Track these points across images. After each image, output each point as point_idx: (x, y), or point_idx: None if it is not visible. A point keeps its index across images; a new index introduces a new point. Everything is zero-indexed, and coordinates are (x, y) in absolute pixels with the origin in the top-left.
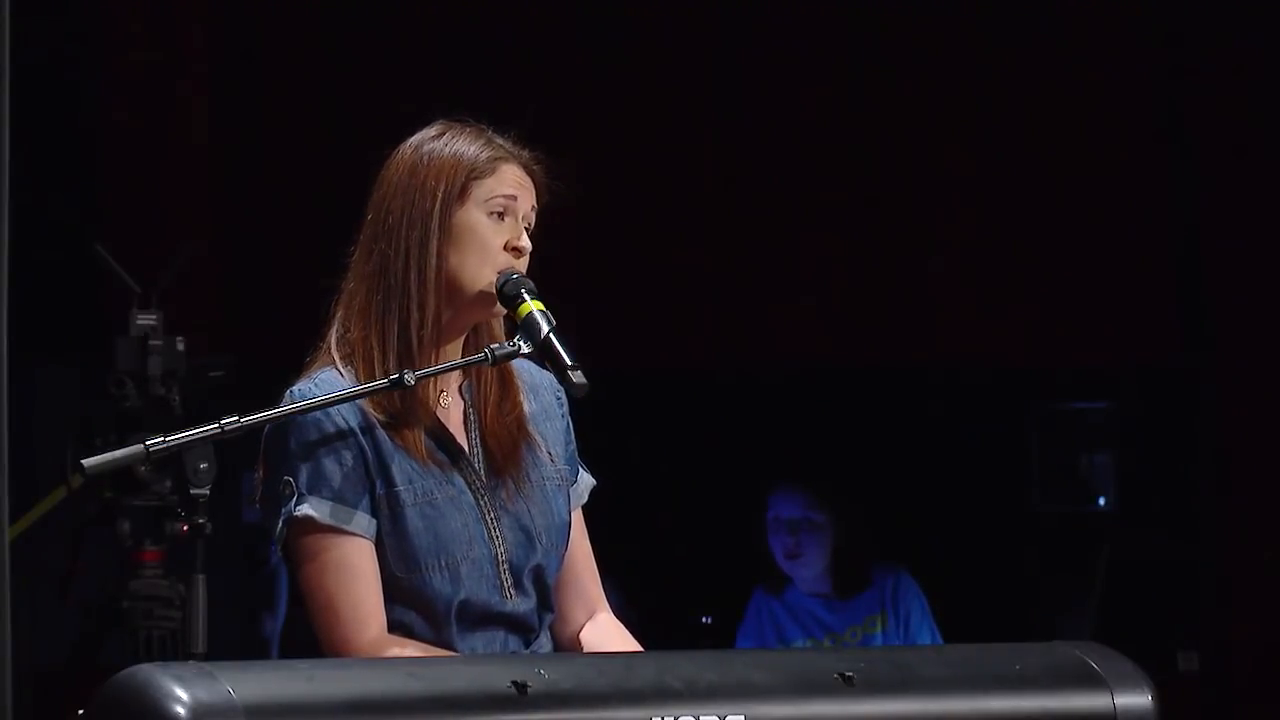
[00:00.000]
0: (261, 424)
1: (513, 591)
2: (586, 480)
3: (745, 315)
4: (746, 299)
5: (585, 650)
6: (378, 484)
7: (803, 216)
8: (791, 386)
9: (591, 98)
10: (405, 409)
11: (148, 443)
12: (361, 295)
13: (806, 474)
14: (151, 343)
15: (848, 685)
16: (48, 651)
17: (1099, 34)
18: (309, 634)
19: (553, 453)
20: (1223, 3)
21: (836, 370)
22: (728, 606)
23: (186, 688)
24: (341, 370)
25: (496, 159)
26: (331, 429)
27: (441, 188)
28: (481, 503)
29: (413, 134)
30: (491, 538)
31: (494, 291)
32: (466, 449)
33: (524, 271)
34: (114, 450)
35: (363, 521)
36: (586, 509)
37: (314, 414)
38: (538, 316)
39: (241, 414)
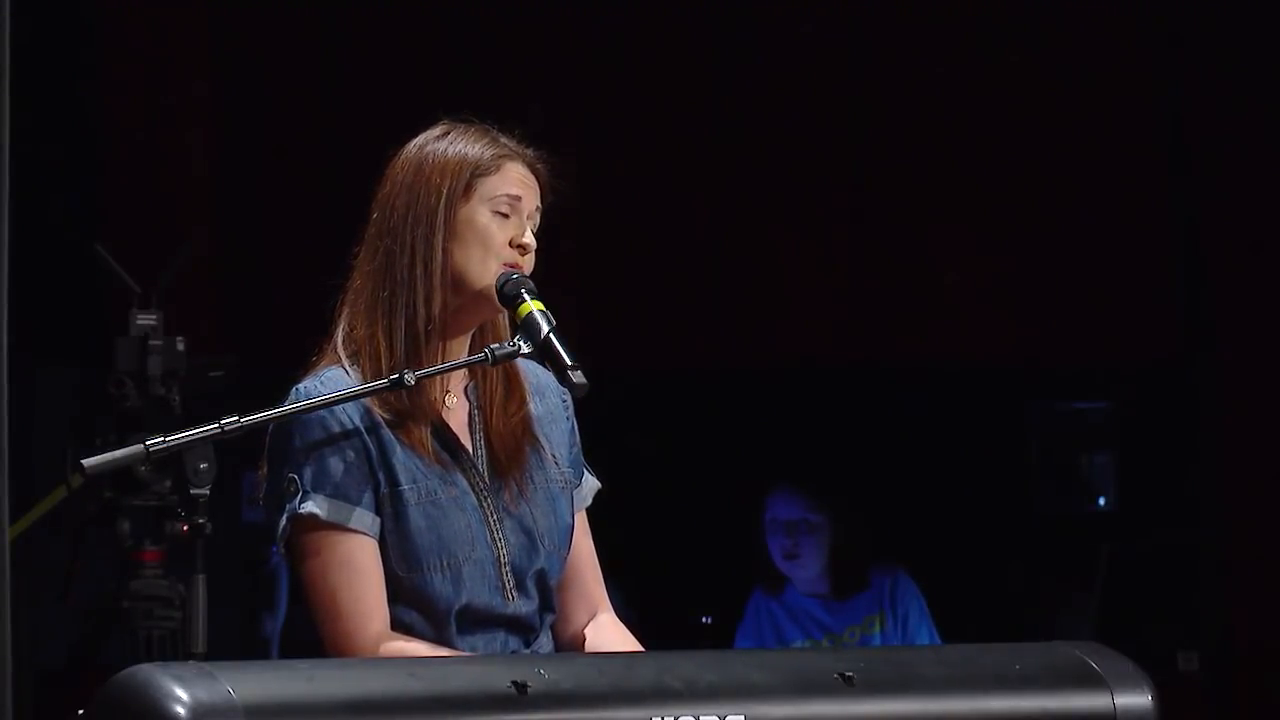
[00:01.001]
0: (262, 424)
1: (515, 593)
2: (591, 483)
3: (745, 315)
4: (746, 299)
5: (586, 650)
6: (381, 482)
7: (803, 217)
8: (791, 386)
9: (592, 97)
10: (410, 408)
11: (148, 443)
12: (367, 292)
13: (804, 475)
14: (151, 343)
15: (848, 685)
16: (48, 651)
17: (1099, 34)
18: (309, 634)
19: (557, 456)
20: (1223, 3)
21: (837, 370)
22: (728, 606)
23: (186, 688)
24: (348, 368)
25: (501, 157)
26: (336, 427)
27: (446, 184)
28: (484, 504)
29: (416, 134)
30: (494, 539)
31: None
32: (470, 450)
33: (528, 268)
34: (114, 450)
35: (366, 519)
36: (588, 509)
37: (318, 412)
38: (538, 316)
39: (241, 414)
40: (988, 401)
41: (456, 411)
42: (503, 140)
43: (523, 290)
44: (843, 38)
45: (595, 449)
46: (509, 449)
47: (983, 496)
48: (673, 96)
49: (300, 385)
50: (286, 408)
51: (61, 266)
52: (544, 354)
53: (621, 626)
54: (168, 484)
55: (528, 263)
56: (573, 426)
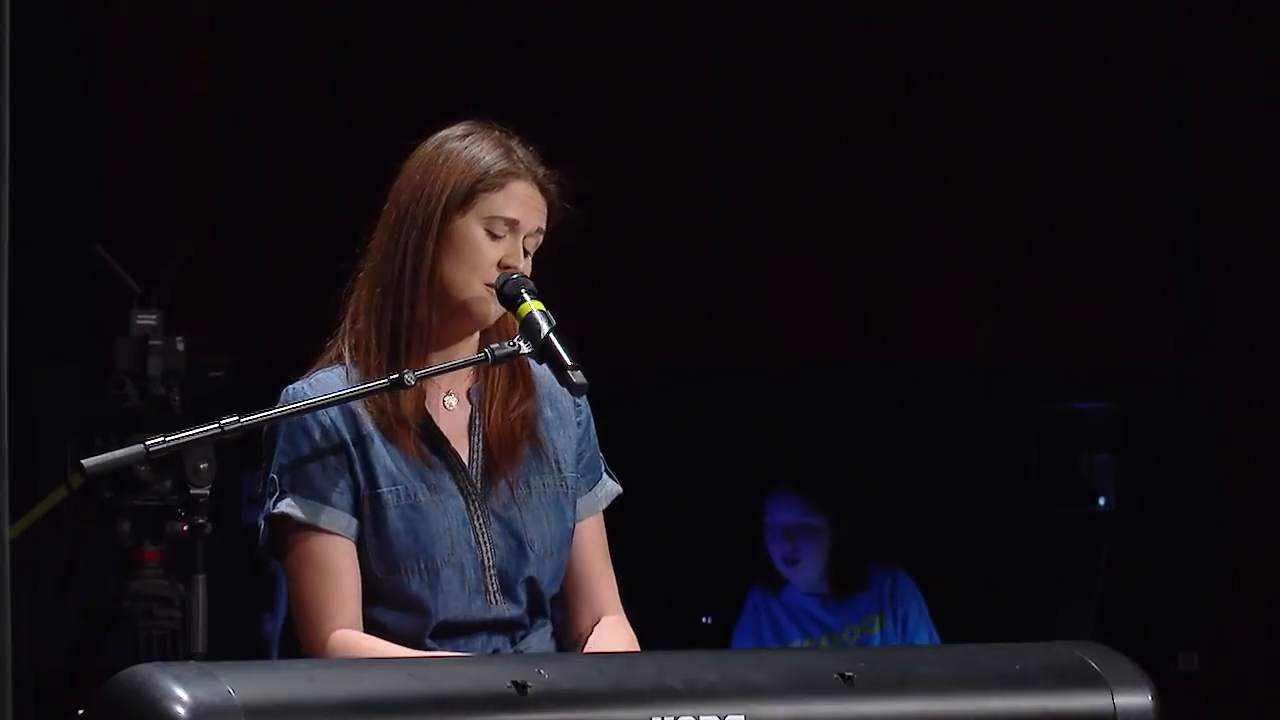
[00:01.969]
0: (261, 424)
1: (499, 598)
2: (609, 488)
3: (744, 315)
4: (746, 299)
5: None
6: (362, 484)
7: (803, 217)
8: (791, 386)
9: (592, 97)
10: (396, 410)
11: (148, 443)
12: (366, 287)
13: (804, 476)
14: (151, 343)
15: (848, 685)
16: (48, 651)
17: (1099, 34)
18: None
19: (560, 461)
20: (1223, 5)
21: (836, 370)
22: (728, 606)
23: (186, 688)
24: (349, 364)
25: (509, 174)
26: (316, 428)
27: (447, 192)
28: (472, 507)
29: (417, 135)
30: (479, 542)
31: (479, 303)
32: (465, 453)
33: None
34: (114, 450)
35: (340, 520)
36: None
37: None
38: (538, 316)
39: (241, 414)
40: (988, 401)
41: (455, 414)
42: (516, 155)
43: (523, 290)
44: (843, 38)
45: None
46: (505, 445)
47: (983, 496)
48: (673, 96)
49: (290, 387)
50: (287, 408)
51: (61, 266)
52: (544, 354)
53: (624, 629)
54: (168, 484)
55: None
56: (584, 432)
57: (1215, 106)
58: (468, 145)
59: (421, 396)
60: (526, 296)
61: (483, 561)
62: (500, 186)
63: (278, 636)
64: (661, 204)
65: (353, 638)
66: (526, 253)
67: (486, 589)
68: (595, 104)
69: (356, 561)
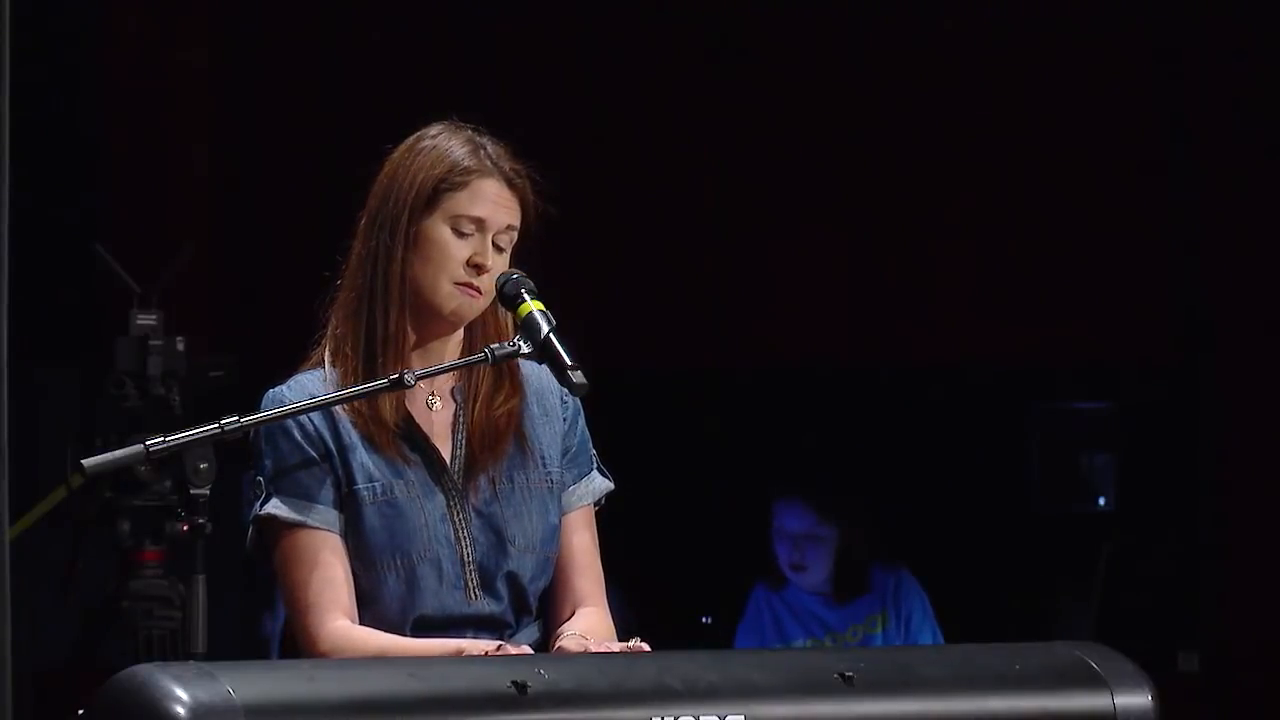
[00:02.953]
0: (261, 424)
1: (479, 593)
2: (599, 484)
3: (744, 316)
4: (746, 299)
5: (555, 646)
6: (341, 482)
7: (802, 217)
8: (791, 387)
9: (592, 98)
10: (374, 412)
11: (148, 443)
12: (344, 292)
13: (807, 480)
14: (151, 343)
15: (848, 685)
16: (48, 651)
17: (1099, 34)
18: None
19: (545, 456)
20: (1222, 5)
21: (837, 370)
22: (728, 606)
23: (186, 688)
24: (329, 368)
25: (473, 171)
26: (297, 430)
27: (412, 194)
28: (452, 503)
29: (416, 130)
30: (458, 538)
31: (449, 302)
32: (447, 450)
33: (485, 289)
34: (114, 450)
35: (328, 515)
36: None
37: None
38: (537, 316)
39: (241, 414)
40: (988, 401)
41: (441, 413)
42: (484, 152)
43: (523, 290)
44: (843, 39)
45: (595, 449)
46: (488, 441)
47: (983, 496)
48: (673, 96)
49: (271, 390)
50: (287, 409)
51: (61, 266)
52: (544, 354)
53: (599, 618)
54: (168, 484)
55: (484, 283)
56: (570, 427)
57: (1215, 106)
58: (435, 145)
59: (401, 397)
60: (526, 296)
61: (462, 557)
62: (464, 185)
63: (278, 636)
64: (662, 204)
65: (348, 629)
66: (500, 249)
67: (466, 584)
68: (596, 104)
69: (345, 556)
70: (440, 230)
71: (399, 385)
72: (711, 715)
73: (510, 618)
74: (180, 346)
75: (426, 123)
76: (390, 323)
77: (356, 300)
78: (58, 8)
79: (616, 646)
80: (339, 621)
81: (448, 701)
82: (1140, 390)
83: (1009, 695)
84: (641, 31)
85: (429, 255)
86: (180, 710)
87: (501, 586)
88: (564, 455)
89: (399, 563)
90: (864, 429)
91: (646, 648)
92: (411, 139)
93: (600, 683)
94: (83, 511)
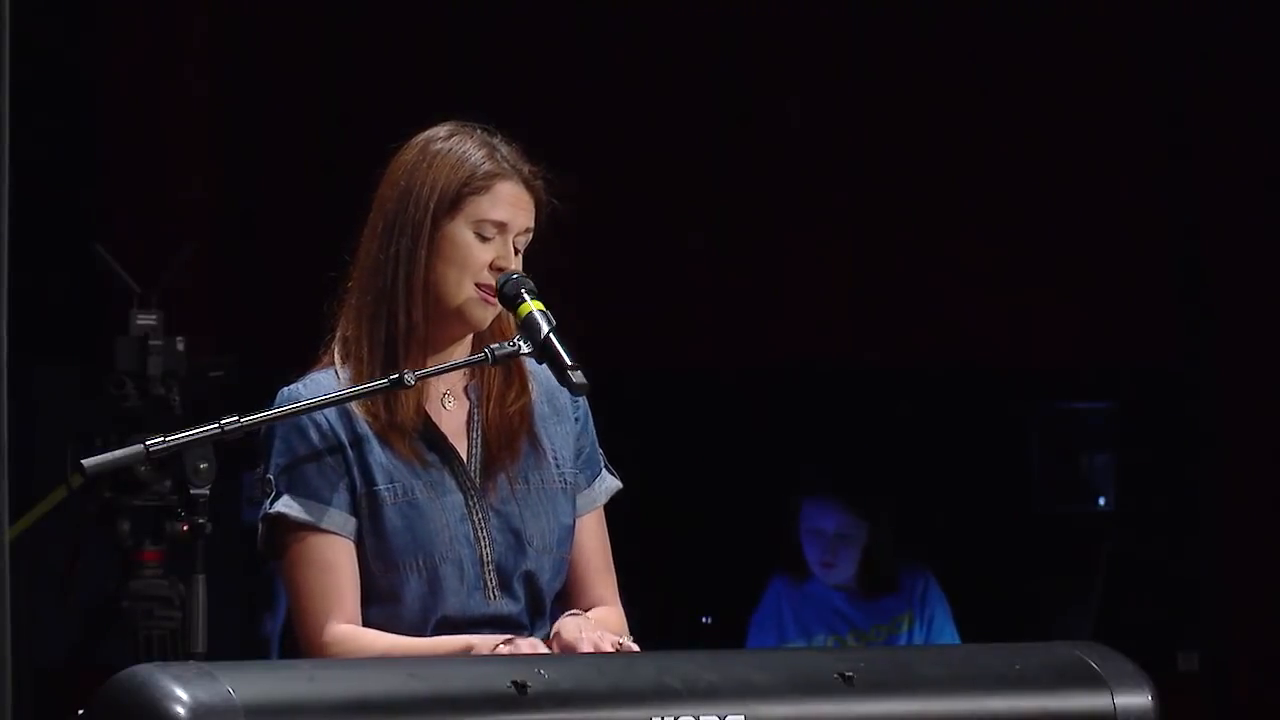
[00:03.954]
0: (261, 424)
1: (497, 593)
2: (609, 484)
3: (744, 316)
4: (746, 300)
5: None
6: (358, 483)
7: (803, 217)
8: (791, 387)
9: (593, 98)
10: (393, 409)
11: (148, 443)
12: (356, 295)
13: (840, 483)
14: (151, 343)
15: (848, 685)
16: (48, 651)
17: (1099, 35)
18: None
19: (558, 456)
20: (1222, 3)
21: (837, 371)
22: (728, 607)
23: (186, 688)
24: (339, 369)
25: (494, 175)
26: (313, 429)
27: (434, 198)
28: (471, 503)
29: (421, 131)
30: (477, 538)
31: (472, 306)
32: (464, 449)
33: None
34: (114, 450)
35: (338, 519)
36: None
37: (298, 415)
38: (538, 316)
39: (241, 414)
40: (988, 401)
41: (455, 412)
42: (500, 154)
43: (523, 290)
44: (843, 38)
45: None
46: (503, 440)
47: (983, 496)
48: (674, 96)
49: (286, 388)
50: (286, 409)
51: (61, 266)
52: (544, 354)
53: (615, 616)
54: (168, 484)
55: None
56: (582, 428)
57: (1215, 106)
58: (452, 147)
59: (420, 398)
60: (526, 296)
61: (481, 557)
62: (487, 189)
63: (278, 636)
64: (662, 204)
65: (352, 632)
66: (517, 251)
67: (485, 584)
68: (596, 103)
69: (355, 560)
70: (464, 233)
71: (399, 385)
72: (711, 715)
73: (526, 619)
74: (180, 346)
75: (426, 123)
76: (411, 325)
77: (374, 303)
78: (59, 6)
79: (609, 644)
80: (343, 625)
81: (448, 701)
82: (1140, 390)
83: (1009, 695)
84: (641, 31)
85: (452, 259)
86: (180, 710)
87: (519, 587)
88: (577, 456)
89: (421, 563)
90: (864, 429)
91: (635, 648)
92: (421, 140)
93: (600, 683)
94: (83, 511)
